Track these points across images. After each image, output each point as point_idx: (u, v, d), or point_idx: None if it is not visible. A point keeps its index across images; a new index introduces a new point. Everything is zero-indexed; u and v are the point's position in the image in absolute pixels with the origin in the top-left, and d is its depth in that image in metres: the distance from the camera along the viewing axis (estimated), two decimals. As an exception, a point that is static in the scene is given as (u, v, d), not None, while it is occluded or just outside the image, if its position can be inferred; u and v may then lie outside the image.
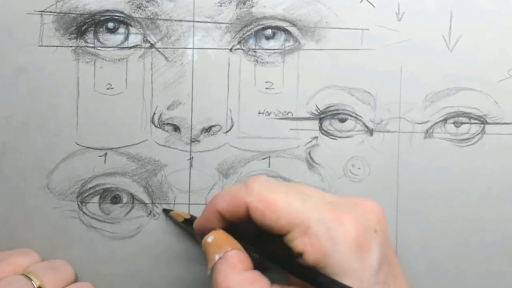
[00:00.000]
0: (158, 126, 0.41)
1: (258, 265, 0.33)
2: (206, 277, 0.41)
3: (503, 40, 0.41)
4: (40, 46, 0.41)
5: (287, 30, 0.41)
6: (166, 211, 0.41)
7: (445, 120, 0.41)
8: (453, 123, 0.41)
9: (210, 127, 0.41)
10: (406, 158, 0.41)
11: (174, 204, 0.41)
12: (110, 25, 0.41)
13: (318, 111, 0.41)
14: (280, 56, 0.41)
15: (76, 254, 0.41)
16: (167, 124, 0.41)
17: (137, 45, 0.41)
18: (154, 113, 0.41)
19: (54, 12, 0.41)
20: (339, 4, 0.41)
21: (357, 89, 0.41)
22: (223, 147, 0.41)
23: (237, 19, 0.41)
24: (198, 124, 0.41)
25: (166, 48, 0.41)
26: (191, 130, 0.41)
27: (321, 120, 0.41)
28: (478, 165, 0.41)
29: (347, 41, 0.41)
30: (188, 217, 0.40)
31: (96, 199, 0.41)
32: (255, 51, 0.41)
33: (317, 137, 0.41)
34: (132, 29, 0.41)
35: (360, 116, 0.41)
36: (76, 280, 0.41)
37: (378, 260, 0.32)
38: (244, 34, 0.41)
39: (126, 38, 0.41)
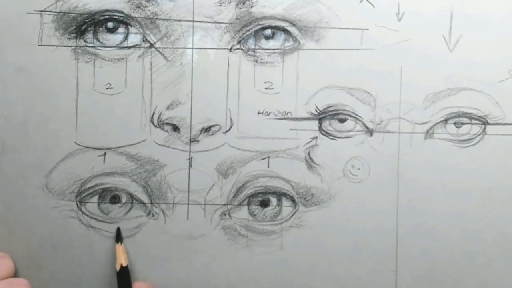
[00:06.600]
0: (157, 126, 0.41)
1: None
2: (206, 277, 0.41)
3: (504, 40, 0.41)
4: (39, 45, 0.41)
5: (286, 30, 0.41)
6: (118, 236, 0.41)
7: (445, 121, 0.41)
8: (454, 123, 0.41)
9: (210, 127, 0.41)
10: (406, 158, 0.41)
11: (173, 204, 0.41)
12: (110, 24, 0.41)
13: (318, 111, 0.41)
14: (280, 56, 0.41)
15: (75, 254, 0.41)
16: (167, 124, 0.41)
17: (137, 44, 0.41)
18: (154, 113, 0.41)
19: (54, 12, 0.41)
20: (339, 4, 0.41)
21: (357, 89, 0.41)
22: (223, 147, 0.41)
23: (236, 19, 0.41)
24: (197, 124, 0.41)
25: (166, 48, 0.41)
26: (190, 130, 0.41)
27: (320, 120, 0.41)
28: (479, 166, 0.41)
29: (347, 41, 0.41)
30: (125, 265, 0.40)
31: (95, 199, 0.41)
32: (254, 51, 0.41)
33: (316, 137, 0.41)
34: (131, 29, 0.41)
35: (360, 117, 0.41)
36: (15, 276, 0.40)
37: None
38: (243, 34, 0.41)
39: (126, 38, 0.41)
